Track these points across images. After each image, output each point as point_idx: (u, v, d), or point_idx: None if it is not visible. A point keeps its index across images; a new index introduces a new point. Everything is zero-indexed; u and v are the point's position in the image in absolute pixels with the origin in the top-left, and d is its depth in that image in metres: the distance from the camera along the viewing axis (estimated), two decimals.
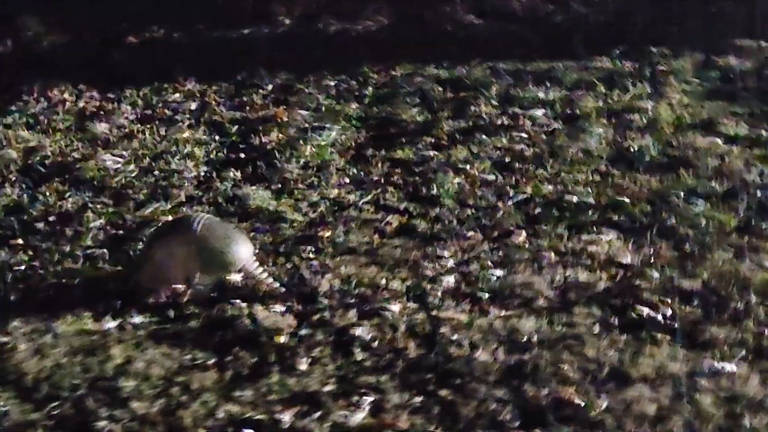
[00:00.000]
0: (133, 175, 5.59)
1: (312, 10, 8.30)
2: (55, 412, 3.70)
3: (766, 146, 5.84)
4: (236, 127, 6.37)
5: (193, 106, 6.72)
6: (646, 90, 6.67)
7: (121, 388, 3.81)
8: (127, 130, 6.30)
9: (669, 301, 4.26)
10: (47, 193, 5.43)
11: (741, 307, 4.22)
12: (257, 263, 4.42)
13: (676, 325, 4.07)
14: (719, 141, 5.92)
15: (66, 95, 6.86)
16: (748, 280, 4.40)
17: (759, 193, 5.18)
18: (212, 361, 3.98)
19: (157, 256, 4.34)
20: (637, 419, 3.57)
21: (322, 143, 5.96)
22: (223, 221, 4.70)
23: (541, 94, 6.65)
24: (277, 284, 4.40)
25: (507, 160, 5.72)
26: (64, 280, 4.61)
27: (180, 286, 4.30)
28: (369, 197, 5.31)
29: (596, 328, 4.12)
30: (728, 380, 3.74)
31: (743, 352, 3.92)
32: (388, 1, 8.37)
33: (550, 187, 5.35)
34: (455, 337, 4.09)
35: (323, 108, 6.61)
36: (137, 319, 4.26)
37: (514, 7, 8.25)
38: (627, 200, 5.18)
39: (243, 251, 4.37)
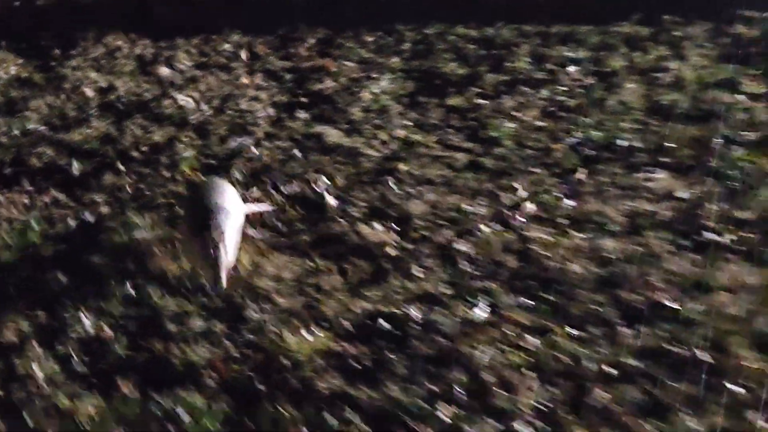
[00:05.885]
0: (208, 113, 5.99)
1: None
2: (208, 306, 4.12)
3: None
4: (290, 75, 6.74)
5: (244, 55, 7.07)
6: (666, 52, 7.08)
7: (260, 286, 4.24)
8: (189, 75, 6.65)
9: (731, 228, 4.70)
10: (132, 127, 5.77)
11: None
12: None
13: (743, 248, 4.55)
14: (744, 97, 6.35)
15: (120, 42, 7.20)
16: None
17: None
18: (334, 267, 4.41)
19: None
20: (725, 319, 4.07)
21: (376, 90, 6.34)
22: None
23: (569, 53, 7.07)
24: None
25: (552, 109, 6.14)
26: (172, 201, 5.00)
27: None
28: (434, 138, 5.72)
29: (670, 248, 4.57)
30: None
31: None
32: None
33: (598, 133, 5.78)
34: (546, 253, 4.53)
35: (367, 61, 6.96)
36: (251, 232, 4.68)
37: None
38: (672, 145, 5.58)
39: None
